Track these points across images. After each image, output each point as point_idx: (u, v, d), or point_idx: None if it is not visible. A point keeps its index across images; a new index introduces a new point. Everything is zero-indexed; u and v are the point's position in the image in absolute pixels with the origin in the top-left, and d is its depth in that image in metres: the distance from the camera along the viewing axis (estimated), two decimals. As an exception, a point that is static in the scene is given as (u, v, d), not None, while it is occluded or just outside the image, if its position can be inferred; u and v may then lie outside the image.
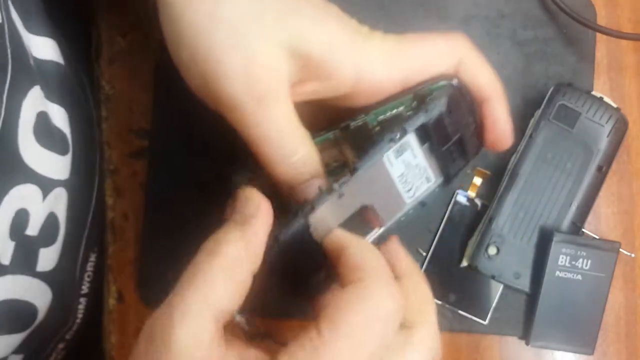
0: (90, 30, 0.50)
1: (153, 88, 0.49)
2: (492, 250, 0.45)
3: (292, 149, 0.35)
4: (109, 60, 0.50)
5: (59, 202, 0.42)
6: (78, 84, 0.47)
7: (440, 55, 0.37)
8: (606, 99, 0.45)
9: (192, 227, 0.49)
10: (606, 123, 0.45)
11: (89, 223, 0.48)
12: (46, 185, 0.39)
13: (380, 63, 0.37)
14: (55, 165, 0.40)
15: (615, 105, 0.45)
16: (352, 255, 0.32)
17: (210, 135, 0.49)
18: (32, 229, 0.39)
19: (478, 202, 0.48)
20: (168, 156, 0.49)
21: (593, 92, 0.46)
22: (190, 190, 0.49)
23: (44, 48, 0.41)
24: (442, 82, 0.36)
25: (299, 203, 0.35)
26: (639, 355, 0.47)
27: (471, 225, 0.47)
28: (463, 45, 0.38)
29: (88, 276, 0.49)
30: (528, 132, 0.46)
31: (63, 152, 0.42)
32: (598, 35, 0.48)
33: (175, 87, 0.49)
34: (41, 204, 0.39)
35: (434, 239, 0.48)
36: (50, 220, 0.41)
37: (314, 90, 0.37)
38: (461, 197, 0.48)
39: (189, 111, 0.49)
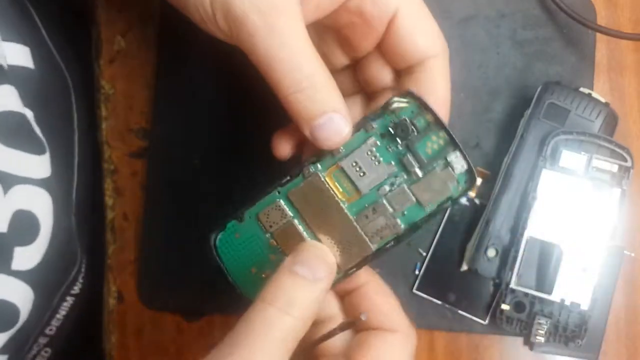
0: (90, 30, 0.50)
1: (153, 88, 0.49)
2: (491, 253, 0.45)
3: (304, 69, 0.33)
4: (109, 60, 0.50)
5: (34, 201, 0.41)
6: (61, 87, 0.47)
7: (424, 30, 0.38)
8: (594, 95, 0.45)
9: (191, 227, 0.49)
10: (596, 118, 0.45)
11: (75, 225, 0.48)
12: (5, 181, 0.39)
13: None
14: (21, 163, 0.40)
15: (604, 100, 0.45)
16: (378, 300, 0.37)
17: (210, 135, 0.49)
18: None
19: (478, 202, 0.48)
20: (168, 156, 0.49)
21: (581, 89, 0.46)
22: (190, 190, 0.49)
23: (16, 54, 0.41)
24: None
25: (319, 150, 0.35)
26: (639, 355, 0.48)
27: (471, 225, 0.47)
28: (442, 48, 0.38)
29: (82, 278, 0.49)
30: (519, 132, 0.46)
31: (39, 152, 0.41)
32: (598, 35, 0.48)
33: (175, 87, 0.49)
34: (2, 199, 0.38)
35: (434, 239, 0.48)
36: (23, 218, 0.40)
37: (320, 3, 0.35)
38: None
39: (189, 111, 0.49)
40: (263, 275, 0.37)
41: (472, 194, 0.48)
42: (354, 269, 0.36)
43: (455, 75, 0.48)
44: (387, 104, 0.35)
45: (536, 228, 0.45)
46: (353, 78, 0.41)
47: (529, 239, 0.45)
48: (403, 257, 0.48)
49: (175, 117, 0.49)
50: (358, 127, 0.36)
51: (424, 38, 0.38)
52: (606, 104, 0.45)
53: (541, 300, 0.45)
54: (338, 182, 0.36)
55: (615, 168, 0.44)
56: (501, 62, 0.48)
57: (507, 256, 0.45)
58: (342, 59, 0.40)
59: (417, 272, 0.48)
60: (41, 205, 0.42)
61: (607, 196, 0.44)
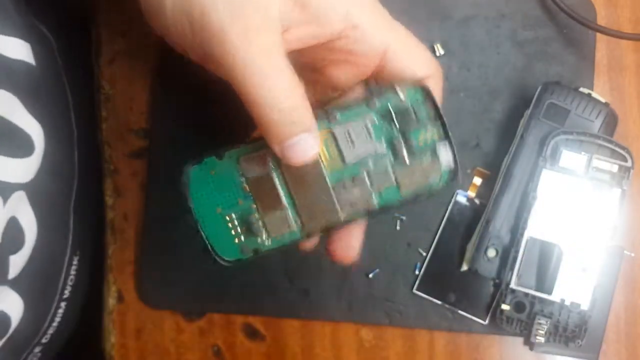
0: (90, 30, 0.50)
1: (153, 88, 0.49)
2: (491, 253, 0.45)
3: (282, 91, 0.33)
4: (109, 60, 0.50)
5: (19, 206, 0.40)
6: (56, 86, 0.47)
7: (417, 58, 0.37)
8: (594, 95, 0.45)
9: (191, 227, 0.49)
10: (596, 118, 0.45)
11: (71, 226, 0.48)
12: (5, 190, 0.39)
13: (371, 17, 0.36)
14: (11, 168, 0.39)
15: (604, 100, 0.45)
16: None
17: (210, 135, 0.49)
18: None
19: (478, 202, 0.48)
20: (168, 156, 0.49)
21: (581, 89, 0.46)
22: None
23: (14, 48, 0.41)
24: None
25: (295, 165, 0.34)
26: (638, 355, 0.48)
27: (471, 225, 0.47)
28: (436, 70, 0.38)
29: (71, 280, 0.48)
30: (519, 132, 0.46)
31: (23, 155, 0.41)
32: (598, 35, 0.48)
33: (175, 87, 0.49)
34: (2, 210, 0.38)
35: (434, 239, 0.48)
36: (12, 225, 0.40)
37: (302, 36, 0.35)
38: (461, 197, 0.48)
39: (189, 111, 0.49)
40: (227, 217, 0.36)
41: (472, 194, 0.48)
42: (316, 233, 0.37)
43: (455, 75, 0.49)
44: (396, 86, 0.36)
45: (536, 228, 0.45)
46: None
47: (529, 239, 0.45)
48: (403, 257, 0.48)
49: (175, 117, 0.49)
50: (361, 99, 0.36)
51: (419, 66, 0.38)
52: (606, 104, 0.45)
53: (541, 300, 0.45)
54: (326, 146, 0.36)
55: (615, 168, 0.44)
56: (501, 62, 0.48)
57: (507, 256, 0.45)
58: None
59: (417, 272, 0.48)
60: (25, 210, 0.41)
61: (607, 196, 0.44)
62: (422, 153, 0.35)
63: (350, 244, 0.39)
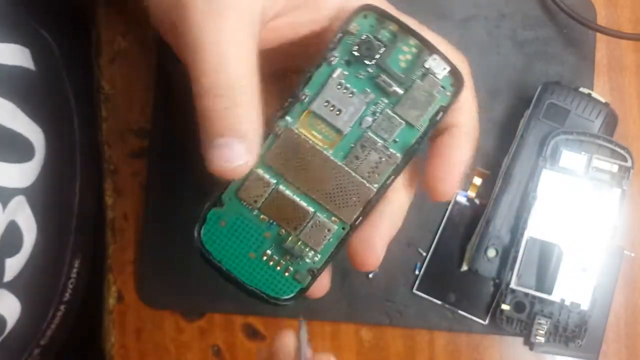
0: (90, 30, 0.51)
1: (153, 88, 0.49)
2: (491, 253, 0.45)
3: (232, 73, 0.29)
4: (109, 60, 0.50)
5: (18, 210, 0.41)
6: (57, 89, 0.47)
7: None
8: (594, 95, 0.46)
9: (192, 227, 0.49)
10: (596, 118, 0.45)
11: (73, 229, 0.48)
12: (5, 195, 0.39)
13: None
14: (10, 174, 0.39)
15: (604, 100, 0.45)
16: None
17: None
18: None
19: (478, 202, 0.48)
20: (168, 156, 0.49)
21: (581, 89, 0.46)
22: (190, 190, 0.49)
23: (10, 54, 0.41)
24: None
25: (213, 172, 0.30)
26: (638, 355, 0.48)
27: (471, 225, 0.47)
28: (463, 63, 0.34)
29: (71, 283, 0.48)
30: (519, 132, 0.46)
31: (22, 160, 0.41)
32: (598, 35, 0.48)
33: (175, 87, 0.49)
34: (2, 215, 0.38)
35: (434, 239, 0.48)
36: (11, 229, 0.40)
37: (293, 21, 0.32)
38: (461, 197, 0.48)
39: (189, 111, 0.49)
40: (264, 258, 0.33)
41: (472, 194, 0.48)
42: (360, 218, 0.33)
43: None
44: (342, 27, 0.32)
45: (536, 228, 0.45)
46: None
47: (529, 239, 0.45)
48: (403, 257, 0.48)
49: (175, 117, 0.49)
50: (318, 62, 0.32)
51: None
52: (606, 104, 0.45)
53: (541, 300, 0.45)
54: (314, 129, 0.32)
55: (615, 168, 0.45)
56: (501, 62, 0.48)
57: (507, 256, 0.45)
58: None
59: (417, 272, 0.48)
60: (24, 215, 0.41)
61: (607, 196, 0.44)
62: (410, 74, 0.32)
63: (372, 244, 0.34)
